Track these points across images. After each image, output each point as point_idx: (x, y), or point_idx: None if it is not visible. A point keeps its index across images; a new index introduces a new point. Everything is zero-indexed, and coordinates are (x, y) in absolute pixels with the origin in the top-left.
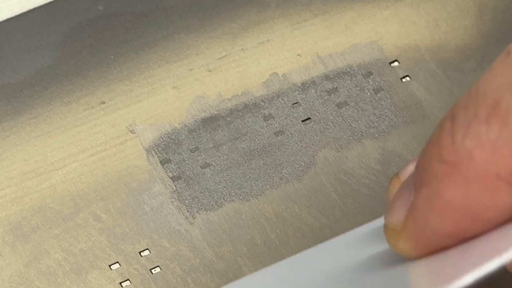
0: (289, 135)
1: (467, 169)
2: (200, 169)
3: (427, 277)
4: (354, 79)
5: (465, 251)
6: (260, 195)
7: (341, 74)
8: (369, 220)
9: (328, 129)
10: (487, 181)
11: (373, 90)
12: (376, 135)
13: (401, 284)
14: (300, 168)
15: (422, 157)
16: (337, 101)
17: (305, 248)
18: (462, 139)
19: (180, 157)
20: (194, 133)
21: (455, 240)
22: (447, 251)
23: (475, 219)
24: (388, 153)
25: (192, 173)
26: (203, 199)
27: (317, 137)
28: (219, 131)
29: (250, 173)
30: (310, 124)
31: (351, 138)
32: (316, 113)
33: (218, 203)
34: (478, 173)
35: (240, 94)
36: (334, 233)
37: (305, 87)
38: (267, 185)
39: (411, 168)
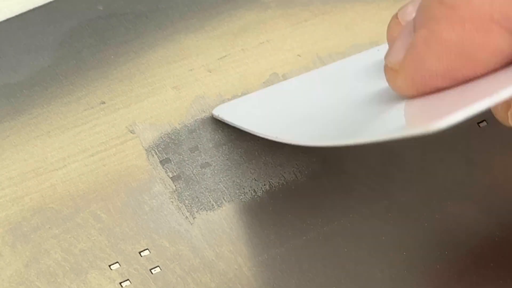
0: None
1: (464, 11)
2: (200, 169)
3: (421, 113)
4: None
5: (458, 93)
6: (260, 195)
7: None
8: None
9: None
10: (481, 22)
11: None
12: None
13: (396, 119)
14: (300, 167)
15: (422, 1)
16: None
17: (305, 248)
18: None
19: (180, 157)
20: (194, 133)
21: (449, 80)
22: (441, 92)
23: (468, 59)
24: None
25: (192, 173)
26: (203, 199)
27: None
28: (219, 131)
29: (250, 173)
30: None
31: None
32: None
33: (218, 203)
34: (473, 15)
35: (240, 94)
36: (335, 232)
37: None
38: (267, 185)
39: (410, 9)
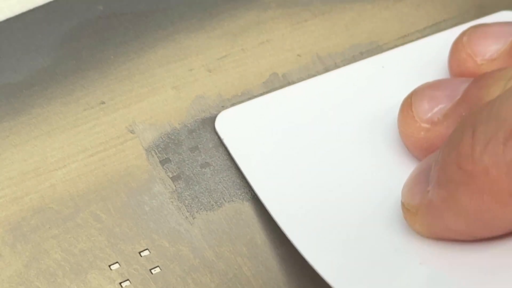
0: None
1: (483, 182)
2: (200, 169)
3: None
4: None
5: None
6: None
7: None
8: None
9: None
10: (499, 196)
11: None
12: None
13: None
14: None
15: (442, 157)
16: None
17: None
18: (481, 154)
19: (180, 157)
20: (194, 133)
21: (466, 237)
22: (460, 243)
23: (486, 225)
24: None
25: (192, 173)
26: (203, 199)
27: None
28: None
29: None
30: None
31: None
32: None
33: (218, 203)
34: (492, 188)
35: (240, 94)
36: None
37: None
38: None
39: (426, 107)
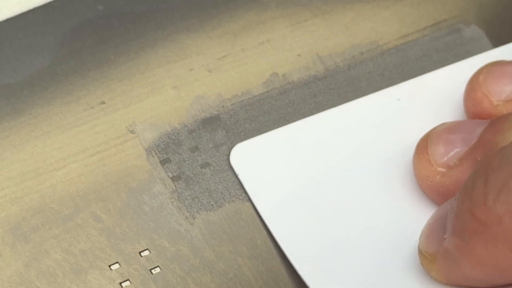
0: None
1: (497, 231)
2: (200, 169)
3: None
4: None
5: None
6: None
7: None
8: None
9: None
10: None
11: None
12: None
13: None
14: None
15: (457, 205)
16: None
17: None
18: (494, 203)
19: (180, 157)
20: (194, 133)
21: (484, 285)
22: None
23: (503, 274)
24: None
25: (192, 173)
26: (203, 199)
27: None
28: (219, 131)
29: None
30: None
31: None
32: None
33: (218, 203)
34: (506, 237)
35: (240, 94)
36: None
37: (305, 87)
38: None
39: (442, 150)
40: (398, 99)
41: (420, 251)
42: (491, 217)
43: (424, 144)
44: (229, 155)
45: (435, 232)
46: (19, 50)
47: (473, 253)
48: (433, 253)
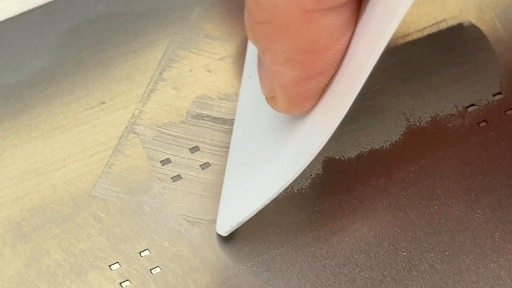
0: None
1: (281, 18)
2: (200, 169)
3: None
4: None
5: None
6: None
7: None
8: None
9: None
10: (299, 18)
11: (374, 90)
12: None
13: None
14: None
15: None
16: None
17: (305, 248)
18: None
19: (180, 157)
20: (194, 133)
21: (310, 81)
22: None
23: (310, 54)
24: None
25: (192, 173)
26: (203, 199)
27: None
28: (219, 131)
29: None
30: None
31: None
32: None
33: (218, 203)
34: (288, 15)
35: (240, 94)
36: (334, 232)
37: None
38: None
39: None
40: (250, 76)
41: (266, 99)
42: (267, 10)
43: None
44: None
45: (260, 74)
46: (19, 50)
47: (277, 55)
48: (269, 88)
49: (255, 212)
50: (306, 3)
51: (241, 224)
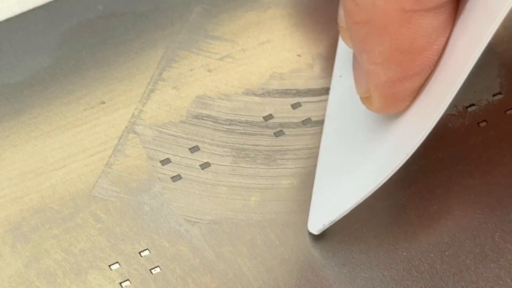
0: (289, 135)
1: (379, 18)
2: (200, 169)
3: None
4: None
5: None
6: (260, 194)
7: None
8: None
9: None
10: (398, 18)
11: None
12: None
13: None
14: (300, 168)
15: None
16: None
17: (305, 248)
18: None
19: (180, 157)
20: (194, 133)
21: (407, 81)
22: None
23: (408, 54)
24: None
25: (192, 173)
26: (203, 199)
27: (317, 138)
28: (219, 131)
29: (250, 172)
30: (310, 125)
31: None
32: (316, 114)
33: (218, 203)
34: (387, 16)
35: (240, 94)
36: (334, 231)
37: (305, 88)
38: (267, 185)
39: (341, 12)
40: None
41: (361, 99)
42: (366, 10)
43: None
44: (229, 155)
45: (356, 72)
46: (19, 50)
47: (377, 55)
48: (365, 88)
49: (348, 211)
50: (405, 4)
51: (333, 223)
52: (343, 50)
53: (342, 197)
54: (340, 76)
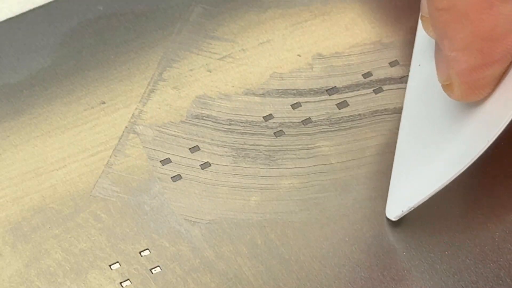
0: (289, 135)
1: (461, 5)
2: (200, 169)
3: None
4: (354, 79)
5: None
6: (260, 194)
7: (341, 75)
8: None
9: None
10: (479, 5)
11: (373, 90)
12: None
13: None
14: (300, 168)
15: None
16: (337, 102)
17: (305, 248)
18: None
19: (180, 157)
20: (194, 133)
21: (487, 68)
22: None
23: (489, 41)
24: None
25: (192, 173)
26: (203, 199)
27: (317, 138)
28: (219, 131)
29: (250, 172)
30: (310, 125)
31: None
32: (316, 114)
33: (218, 203)
34: (468, 2)
35: (240, 93)
36: (334, 232)
37: (305, 88)
38: (267, 185)
39: (423, 1)
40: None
41: (442, 87)
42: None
43: None
44: (229, 155)
45: (437, 59)
46: (19, 50)
47: (458, 42)
48: (446, 75)
49: (427, 198)
50: None
51: (412, 209)
52: (422, 40)
53: (421, 184)
54: (419, 65)
